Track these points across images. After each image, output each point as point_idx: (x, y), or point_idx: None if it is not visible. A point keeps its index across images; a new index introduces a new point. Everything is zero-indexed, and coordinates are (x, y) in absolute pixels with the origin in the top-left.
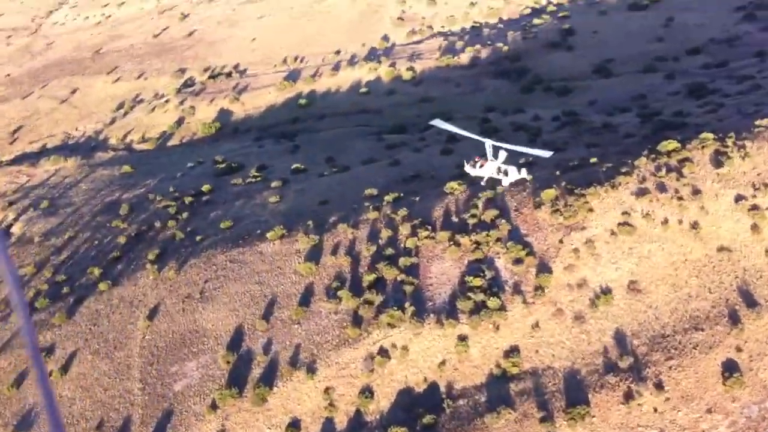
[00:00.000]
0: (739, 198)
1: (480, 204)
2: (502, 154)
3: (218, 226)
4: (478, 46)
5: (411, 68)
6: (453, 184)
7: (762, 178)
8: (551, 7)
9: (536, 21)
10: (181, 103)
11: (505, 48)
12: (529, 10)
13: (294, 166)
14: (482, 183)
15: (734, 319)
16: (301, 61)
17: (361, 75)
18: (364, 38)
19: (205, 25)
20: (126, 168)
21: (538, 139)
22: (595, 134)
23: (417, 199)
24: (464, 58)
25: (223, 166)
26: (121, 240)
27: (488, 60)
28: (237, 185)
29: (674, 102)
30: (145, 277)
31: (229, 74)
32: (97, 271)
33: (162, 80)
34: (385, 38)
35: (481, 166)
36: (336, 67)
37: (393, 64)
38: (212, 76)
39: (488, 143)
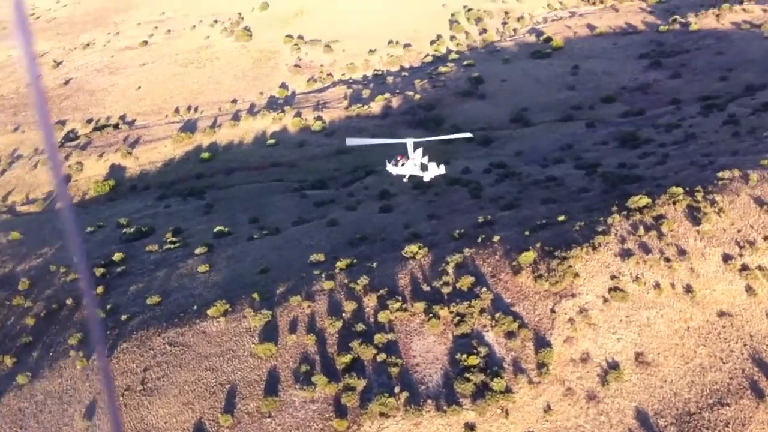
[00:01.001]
0: (726, 258)
1: (450, 269)
2: (421, 152)
3: (144, 302)
4: (387, 95)
5: (319, 118)
6: (413, 248)
7: (743, 235)
8: (453, 55)
9: (442, 69)
10: (66, 158)
11: (417, 97)
12: (430, 58)
13: (216, 229)
14: (404, 180)
15: (758, 392)
16: (196, 110)
17: (264, 125)
18: (261, 86)
19: (83, 73)
20: (14, 234)
21: (483, 194)
22: (543, 188)
23: (374, 265)
24: (375, 107)
25: (131, 230)
26: (29, 321)
27: (401, 109)
28: (153, 252)
29: (607, 152)
30: (71, 366)
31: (116, 126)
32: (9, 360)
33: (41, 133)
34: (284, 86)
35: (403, 164)
36: (236, 117)
37: (299, 114)
38: (97, 128)
39: (409, 141)
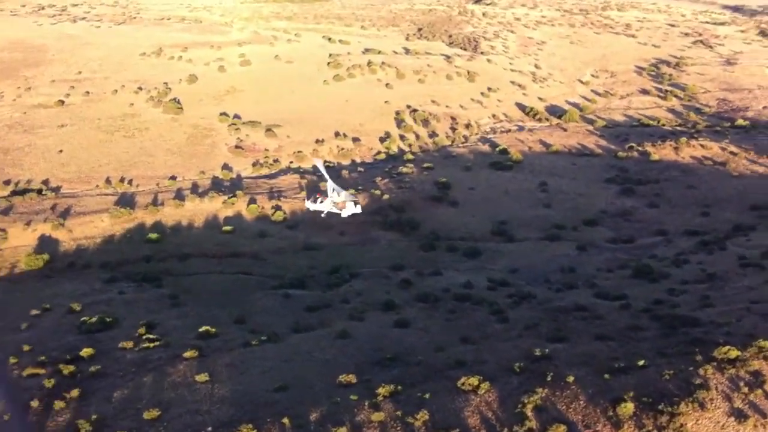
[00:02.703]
0: None
1: (529, 412)
2: (342, 192)
3: (140, 415)
4: (352, 191)
5: (278, 207)
6: (471, 380)
7: None
8: (408, 156)
9: (404, 170)
10: None
11: (386, 197)
12: (383, 155)
13: (202, 328)
14: (322, 215)
15: None
16: (130, 183)
17: (214, 209)
18: (201, 165)
19: None
20: None
21: (508, 317)
22: (579, 319)
23: (426, 395)
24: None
25: (92, 320)
26: None
27: (369, 208)
28: (128, 350)
29: (623, 283)
30: None
31: (40, 191)
32: None
33: None
34: (227, 168)
35: (321, 201)
36: (179, 197)
37: (253, 201)
38: (17, 192)
39: (330, 183)
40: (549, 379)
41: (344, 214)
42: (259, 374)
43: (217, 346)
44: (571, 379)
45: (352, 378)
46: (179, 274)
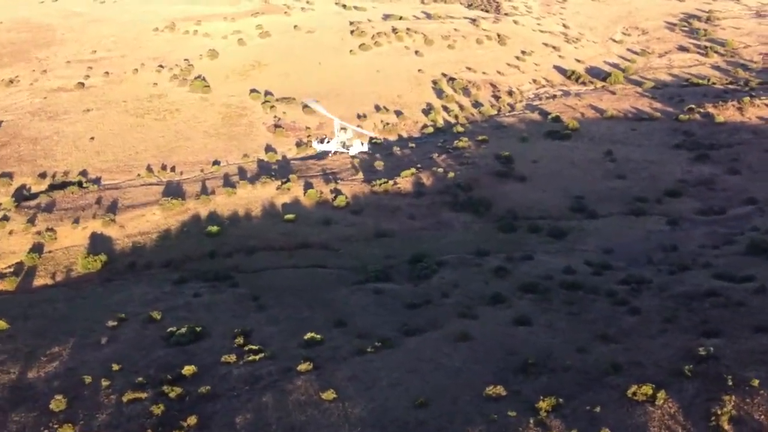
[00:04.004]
0: None
1: (725, 425)
2: (348, 132)
3: None
4: (413, 170)
5: (337, 191)
6: (645, 388)
7: None
8: (458, 128)
9: (460, 144)
10: (31, 222)
11: (451, 175)
12: (431, 129)
13: (307, 336)
14: (330, 155)
15: None
16: (173, 170)
17: (269, 195)
18: (242, 147)
19: (14, 116)
20: None
21: (634, 307)
22: (720, 307)
23: (596, 409)
24: (403, 183)
25: (181, 330)
26: None
27: (435, 188)
28: (233, 365)
29: (742, 262)
30: None
31: (80, 184)
32: None
33: None
34: (271, 149)
35: (328, 141)
36: (229, 183)
37: (310, 185)
38: (55, 186)
39: (336, 121)
40: (730, 383)
41: (352, 152)
42: (389, 388)
43: (328, 356)
44: (756, 382)
45: (500, 390)
46: (250, 270)
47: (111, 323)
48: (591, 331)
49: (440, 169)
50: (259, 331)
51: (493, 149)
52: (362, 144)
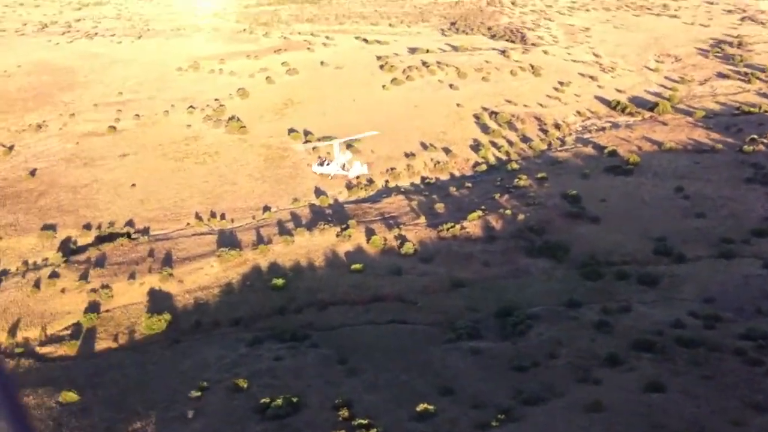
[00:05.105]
0: None
1: None
2: (347, 154)
3: None
4: (479, 212)
5: (402, 237)
6: None
7: None
8: (513, 165)
9: (520, 183)
10: (84, 279)
11: (521, 217)
12: (484, 167)
13: (420, 407)
14: (330, 178)
15: None
16: (222, 218)
17: (329, 243)
18: (291, 191)
19: (48, 163)
20: (69, 395)
21: None
22: None
23: None
24: (471, 227)
25: (278, 402)
26: None
27: (506, 231)
28: None
29: None
30: None
31: (129, 235)
32: None
33: (26, 240)
34: (321, 192)
35: (328, 164)
36: (285, 231)
37: (371, 231)
38: (102, 238)
39: (335, 143)
40: None
41: (351, 174)
42: None
43: (448, 430)
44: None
45: None
46: (325, 327)
47: (194, 393)
48: (737, 398)
49: (507, 211)
50: (360, 400)
51: (556, 187)
52: (362, 165)
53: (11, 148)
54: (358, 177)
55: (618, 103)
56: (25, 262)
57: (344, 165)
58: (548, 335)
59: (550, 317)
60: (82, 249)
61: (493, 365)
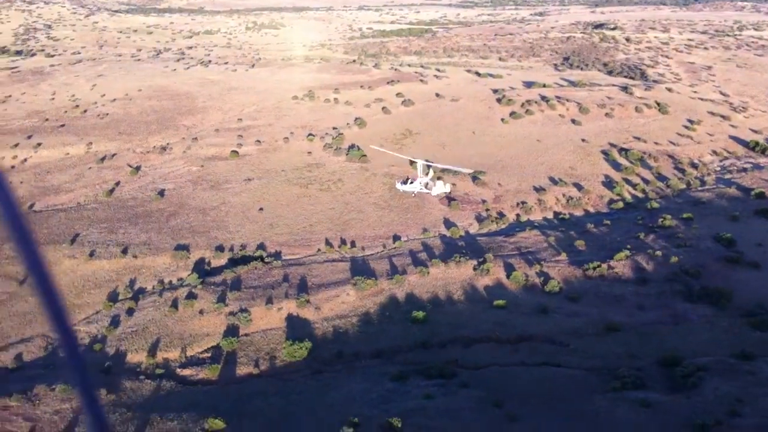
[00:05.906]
0: None
1: None
2: (430, 172)
3: None
4: (626, 252)
5: (544, 274)
6: None
7: None
8: (653, 204)
9: (666, 222)
10: (221, 301)
11: (674, 259)
12: (621, 204)
13: None
14: (413, 196)
15: None
16: (353, 245)
17: (465, 276)
18: (419, 220)
19: (176, 184)
20: (215, 423)
21: None
22: None
23: None
24: (619, 267)
25: None
26: None
27: (661, 274)
28: None
29: None
30: None
31: (262, 259)
32: None
33: (161, 260)
34: (450, 224)
35: (411, 182)
36: (419, 261)
37: (511, 267)
38: (236, 260)
39: (419, 162)
40: None
41: (434, 192)
42: None
43: None
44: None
45: None
46: (472, 365)
47: (346, 430)
48: None
49: (657, 252)
50: None
51: (705, 229)
52: (444, 185)
53: (138, 168)
54: (438, 196)
55: (757, 143)
56: (161, 281)
57: (427, 184)
58: (725, 390)
59: (722, 370)
60: (217, 270)
61: (666, 421)
